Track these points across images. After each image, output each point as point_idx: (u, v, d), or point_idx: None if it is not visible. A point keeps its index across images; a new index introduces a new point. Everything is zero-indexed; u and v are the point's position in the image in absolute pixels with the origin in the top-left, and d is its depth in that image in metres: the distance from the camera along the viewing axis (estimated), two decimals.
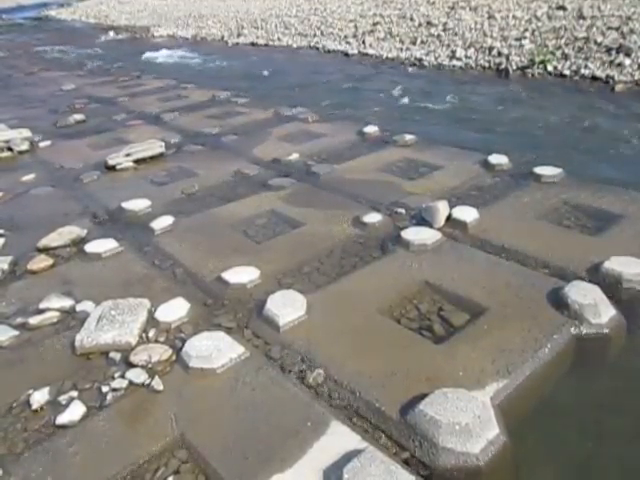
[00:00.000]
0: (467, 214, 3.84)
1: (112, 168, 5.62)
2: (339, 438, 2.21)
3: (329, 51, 13.05)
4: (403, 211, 4.10)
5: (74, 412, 2.42)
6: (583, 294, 2.84)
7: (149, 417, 2.40)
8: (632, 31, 9.53)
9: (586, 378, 2.59)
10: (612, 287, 3.01)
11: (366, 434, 2.26)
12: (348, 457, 2.06)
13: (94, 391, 2.56)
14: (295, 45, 14.27)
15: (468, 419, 2.15)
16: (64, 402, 2.49)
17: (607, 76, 8.17)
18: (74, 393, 2.55)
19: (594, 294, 2.85)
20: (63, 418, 2.39)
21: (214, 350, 2.66)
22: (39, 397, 2.52)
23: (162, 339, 2.89)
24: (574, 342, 2.70)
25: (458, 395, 2.26)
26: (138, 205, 4.57)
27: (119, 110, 8.39)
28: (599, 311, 2.78)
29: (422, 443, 2.17)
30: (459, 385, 2.36)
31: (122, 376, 2.63)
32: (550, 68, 8.93)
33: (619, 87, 7.81)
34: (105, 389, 2.56)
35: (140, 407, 2.46)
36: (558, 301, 2.88)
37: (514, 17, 12.34)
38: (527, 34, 10.69)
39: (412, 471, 2.05)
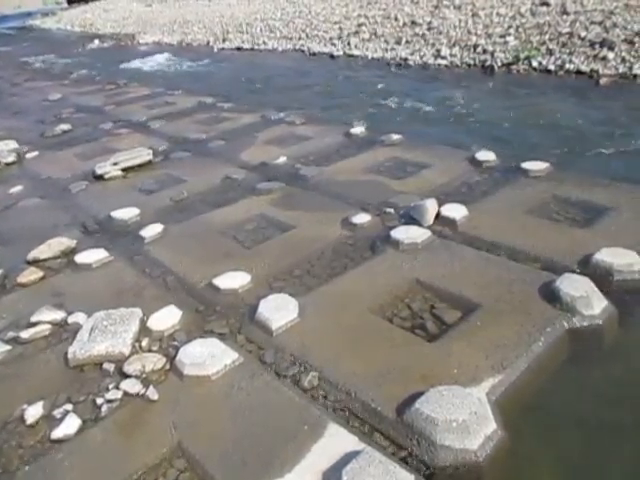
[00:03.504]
0: (456, 211, 3.85)
1: (100, 177, 5.60)
2: (337, 440, 2.21)
3: (315, 53, 13.05)
4: (392, 211, 4.11)
5: (69, 426, 2.40)
6: (575, 286, 2.85)
7: (145, 427, 2.38)
8: (615, 25, 9.59)
9: (581, 370, 2.59)
10: (603, 278, 3.02)
11: (363, 435, 2.26)
12: (347, 459, 2.06)
13: (89, 403, 2.54)
14: (281, 48, 14.27)
15: (465, 416, 2.16)
16: (59, 416, 2.47)
17: (592, 70, 8.22)
18: (69, 406, 2.53)
19: (586, 286, 2.86)
20: (58, 432, 2.37)
21: (208, 357, 2.65)
22: (33, 412, 2.50)
23: (155, 348, 2.88)
24: (567, 335, 2.71)
25: (454, 392, 2.27)
26: (127, 214, 4.55)
27: (106, 119, 8.36)
28: (591, 303, 2.80)
29: (420, 441, 2.18)
30: (454, 382, 2.37)
31: (116, 387, 2.61)
32: (535, 64, 8.97)
33: (604, 81, 7.86)
34: (100, 401, 2.54)
35: (136, 417, 2.45)
36: (550, 294, 2.89)
37: (498, 14, 12.39)
38: (511, 31, 10.74)
39: (411, 470, 2.05)
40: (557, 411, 2.37)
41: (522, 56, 9.17)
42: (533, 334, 2.66)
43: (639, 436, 2.21)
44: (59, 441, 2.34)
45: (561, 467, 2.13)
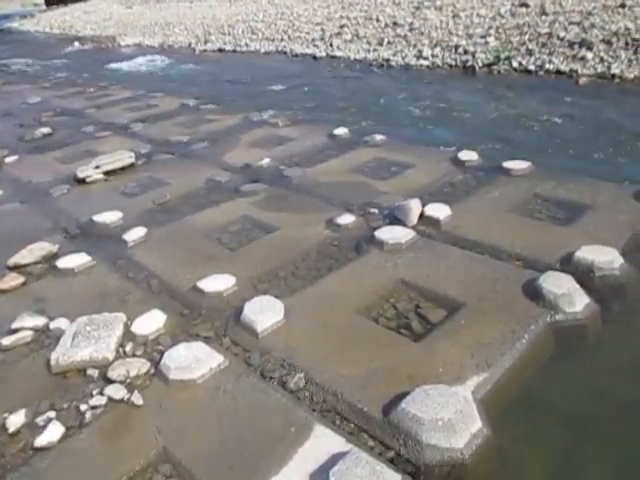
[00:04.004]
0: (440, 211, 3.87)
1: (82, 181, 5.53)
2: (324, 441, 2.21)
3: (297, 55, 13.06)
4: (376, 211, 4.12)
5: (53, 433, 2.36)
6: (557, 284, 2.88)
7: (130, 433, 2.36)
8: (593, 25, 9.74)
9: (564, 366, 2.62)
10: (585, 276, 3.06)
11: (350, 436, 2.26)
12: (334, 460, 2.06)
13: (72, 410, 2.51)
14: (263, 50, 14.25)
15: (450, 414, 2.17)
16: (42, 423, 2.43)
17: (571, 70, 8.34)
18: (52, 413, 2.49)
19: (568, 283, 2.90)
20: (41, 440, 2.34)
21: (193, 360, 2.63)
22: (15, 420, 2.46)
23: (140, 352, 2.85)
24: (551, 332, 2.74)
25: (439, 391, 2.28)
26: (110, 217, 4.51)
27: (87, 122, 8.26)
28: (573, 300, 2.83)
29: (406, 441, 2.18)
30: (440, 381, 2.38)
31: (101, 393, 2.58)
32: (515, 64, 9.07)
33: (583, 80, 7.98)
34: (84, 407, 2.51)
35: (121, 423, 2.42)
36: (533, 292, 2.92)
37: (478, 15, 12.51)
38: (492, 31, 10.85)
39: (398, 470, 2.06)
40: (542, 408, 2.40)
41: (502, 56, 9.26)
42: (517, 332, 2.68)
43: (623, 430, 2.24)
44: (42, 449, 2.31)
45: (546, 463, 2.15)
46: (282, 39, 14.77)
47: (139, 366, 2.70)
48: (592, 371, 2.58)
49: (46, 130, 7.80)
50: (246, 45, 15.07)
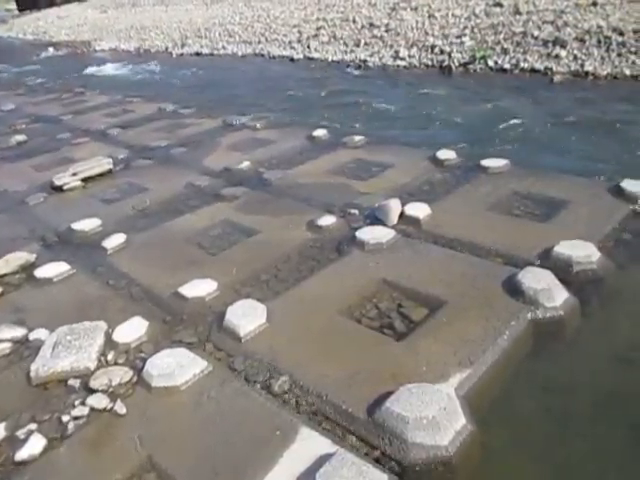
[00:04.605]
0: (419, 210, 3.90)
1: (59, 189, 5.46)
2: (309, 444, 2.20)
3: (274, 57, 13.05)
4: (357, 212, 4.13)
5: (34, 446, 2.32)
6: (536, 279, 2.92)
7: (114, 442, 2.33)
8: (566, 24, 9.89)
9: (546, 361, 2.65)
10: (563, 270, 3.10)
11: (336, 437, 2.25)
12: (320, 462, 2.05)
13: (54, 421, 2.47)
14: (240, 53, 14.21)
15: (434, 412, 2.18)
16: (22, 436, 2.39)
17: (545, 68, 8.45)
18: (33, 426, 2.45)
19: (547, 279, 2.93)
20: (22, 453, 2.29)
21: (176, 367, 2.61)
22: None
23: (122, 361, 2.82)
24: (531, 327, 2.77)
25: (423, 389, 2.29)
26: (88, 225, 4.45)
27: (63, 128, 8.16)
28: (553, 295, 2.86)
29: (392, 440, 2.19)
30: (423, 379, 2.39)
31: (83, 403, 2.54)
32: (491, 63, 9.18)
33: (557, 78, 8.10)
34: (66, 418, 2.47)
35: (104, 433, 2.39)
36: (513, 288, 2.95)
37: (453, 15, 12.62)
38: (467, 31, 10.95)
39: (384, 469, 2.06)
40: (524, 402, 2.42)
41: (478, 56, 9.36)
42: (498, 328, 2.71)
43: (604, 423, 2.27)
44: (24, 462, 2.27)
45: (530, 457, 2.17)
46: (259, 42, 14.74)
47: (121, 374, 2.67)
48: (573, 365, 2.61)
49: (21, 138, 7.68)
50: (223, 48, 15.02)
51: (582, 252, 3.18)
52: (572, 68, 8.22)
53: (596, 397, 2.40)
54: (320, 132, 6.21)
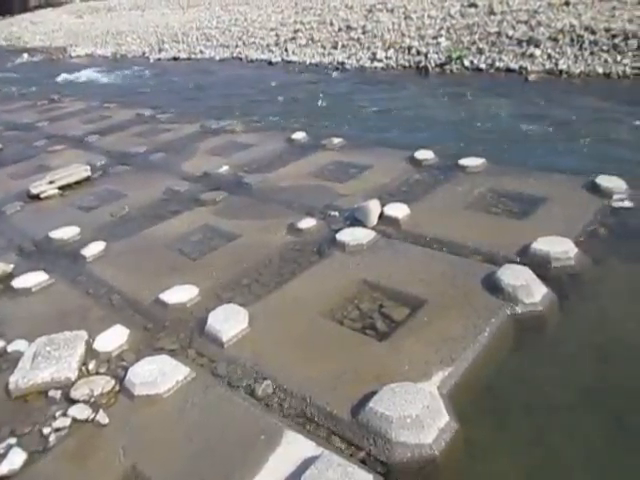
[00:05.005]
0: (398, 210, 3.93)
1: (36, 197, 5.39)
2: (294, 447, 2.20)
3: (252, 60, 13.03)
4: (337, 214, 4.15)
5: (14, 460, 2.29)
6: (515, 276, 2.96)
7: (97, 453, 2.31)
8: (539, 23, 10.04)
9: (526, 356, 2.68)
10: (541, 267, 3.14)
11: (321, 439, 2.26)
12: (305, 465, 2.05)
13: (35, 434, 2.44)
14: (218, 57, 14.16)
15: (418, 411, 2.19)
16: (1, 451, 2.35)
17: (520, 67, 8.57)
18: (12, 440, 2.41)
19: (525, 275, 2.98)
20: (2, 469, 2.25)
21: (158, 375, 2.59)
22: None
23: (103, 370, 2.79)
24: (511, 323, 2.80)
25: (406, 389, 2.30)
26: (67, 233, 4.40)
27: (39, 136, 8.05)
28: (531, 291, 2.90)
29: (376, 441, 2.20)
30: (406, 379, 2.40)
31: (64, 414, 2.51)
32: (467, 63, 9.27)
33: (532, 77, 8.22)
34: (47, 430, 2.44)
35: (87, 444, 2.36)
36: (492, 285, 2.99)
37: (429, 16, 12.74)
38: (443, 32, 11.06)
39: (369, 470, 2.07)
40: (506, 398, 2.44)
41: (454, 56, 9.45)
42: (479, 325, 2.74)
43: (587, 416, 2.29)
44: (4, 478, 2.23)
45: (514, 452, 2.19)
46: (237, 45, 14.71)
47: (103, 384, 2.65)
48: (553, 359, 2.64)
49: None
50: (201, 52, 14.96)
51: (559, 248, 3.22)
52: (546, 67, 8.35)
53: (577, 390, 2.43)
54: (299, 135, 6.22)
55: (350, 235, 3.67)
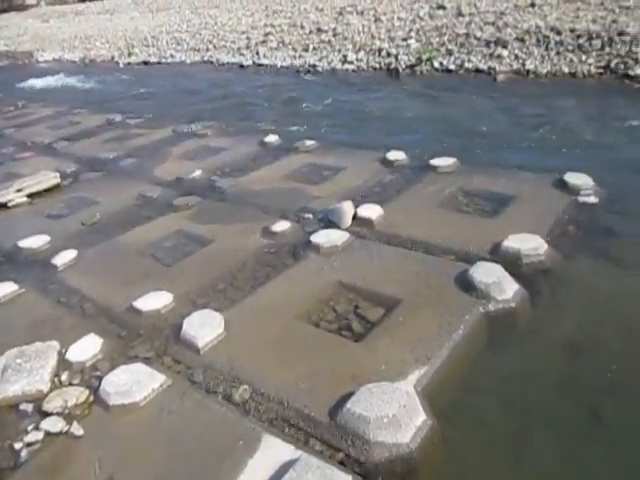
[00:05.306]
0: (372, 211, 3.95)
1: (3, 206, 5.27)
2: (273, 451, 2.20)
3: (223, 64, 12.96)
4: (311, 216, 4.15)
5: None
6: (487, 274, 3.00)
7: (72, 467, 2.26)
8: (506, 25, 10.22)
9: (500, 353, 2.72)
10: (513, 263, 3.20)
11: (299, 442, 2.26)
12: (284, 469, 2.05)
13: (5, 450, 2.38)
14: (189, 61, 14.05)
15: (395, 410, 2.21)
16: None
17: (489, 68, 8.70)
18: None
19: (497, 272, 3.02)
20: None
21: (134, 383, 2.56)
22: None
23: (77, 381, 2.74)
24: (485, 320, 2.84)
25: (382, 389, 2.32)
26: (36, 242, 4.32)
27: (6, 143, 7.88)
28: (503, 288, 2.95)
29: (354, 441, 2.20)
30: (383, 378, 2.42)
31: (36, 428, 2.46)
32: (436, 64, 9.38)
33: (500, 77, 8.36)
34: (18, 445, 2.38)
35: (61, 458, 2.32)
36: (465, 283, 3.03)
37: (399, 18, 12.85)
38: (412, 34, 11.17)
39: (348, 471, 2.07)
40: (482, 394, 2.47)
41: (424, 57, 9.55)
42: (453, 323, 2.77)
43: (563, 409, 2.33)
44: None
45: (491, 448, 2.21)
46: (207, 49, 14.62)
47: (77, 395, 2.60)
48: (526, 355, 2.68)
49: None
50: (171, 56, 14.82)
51: (530, 245, 3.28)
52: (514, 67, 8.49)
53: (550, 386, 2.47)
54: (272, 138, 6.21)
55: (324, 237, 3.68)
